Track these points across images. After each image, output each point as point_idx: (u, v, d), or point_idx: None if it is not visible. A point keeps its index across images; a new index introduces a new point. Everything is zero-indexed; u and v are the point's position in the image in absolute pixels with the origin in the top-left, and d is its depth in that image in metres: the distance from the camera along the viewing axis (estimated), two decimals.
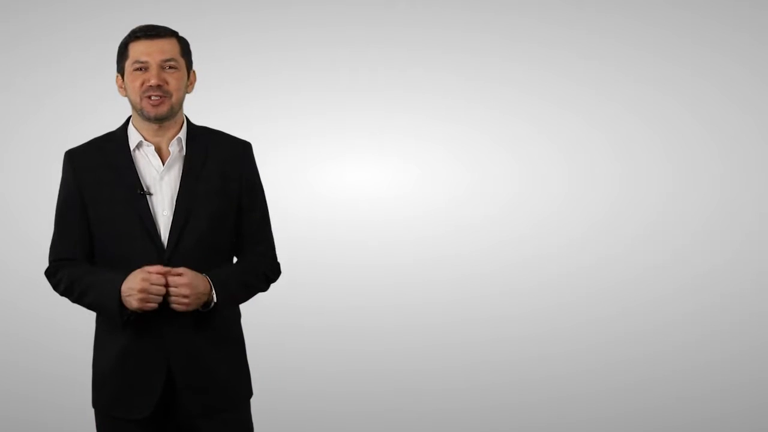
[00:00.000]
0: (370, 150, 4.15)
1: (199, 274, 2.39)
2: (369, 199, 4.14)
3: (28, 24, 4.06)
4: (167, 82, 2.42)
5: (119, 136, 2.51)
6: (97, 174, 2.47)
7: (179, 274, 2.36)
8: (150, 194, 2.45)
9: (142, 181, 2.45)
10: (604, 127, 4.13)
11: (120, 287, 2.36)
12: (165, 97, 2.42)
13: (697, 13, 4.09)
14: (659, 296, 4.12)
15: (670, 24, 4.09)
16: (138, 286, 2.34)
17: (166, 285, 2.36)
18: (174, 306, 2.37)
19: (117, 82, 2.50)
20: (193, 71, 2.53)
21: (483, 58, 4.11)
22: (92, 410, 2.55)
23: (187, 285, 2.36)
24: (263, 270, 2.58)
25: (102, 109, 3.88)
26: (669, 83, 4.11)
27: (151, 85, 2.41)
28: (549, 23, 4.10)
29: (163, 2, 4.01)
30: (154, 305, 2.37)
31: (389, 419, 4.02)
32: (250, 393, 2.62)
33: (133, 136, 2.49)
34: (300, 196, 4.11)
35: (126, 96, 2.48)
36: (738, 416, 4.01)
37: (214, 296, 2.42)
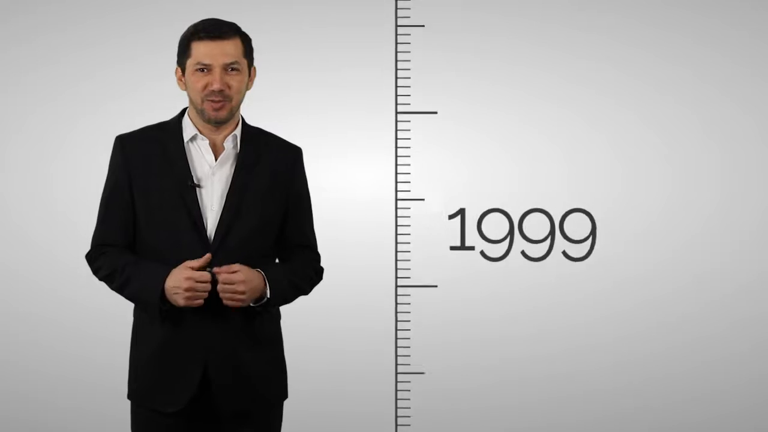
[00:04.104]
0: (370, 150, 4.14)
1: (252, 270, 2.37)
2: (369, 199, 4.14)
3: (28, 24, 4.05)
4: (229, 86, 2.42)
5: (173, 126, 2.49)
6: (148, 162, 2.45)
7: (234, 271, 2.34)
8: (200, 187, 2.43)
9: (193, 174, 2.43)
10: (604, 127, 4.12)
11: (163, 284, 2.34)
12: (226, 101, 2.42)
13: (697, 13, 4.08)
14: (659, 296, 4.12)
15: (670, 24, 4.09)
16: (184, 285, 2.31)
17: (213, 281, 2.33)
18: (228, 303, 2.34)
19: (176, 74, 2.48)
20: (254, 68, 2.53)
21: (483, 58, 4.10)
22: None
23: (243, 282, 2.33)
24: (310, 274, 2.57)
25: (102, 109, 3.88)
26: (669, 83, 4.10)
27: (213, 90, 2.40)
28: (549, 23, 4.09)
29: (163, 2, 4.00)
30: (200, 302, 2.34)
31: (389, 419, 4.02)
32: (284, 395, 2.61)
33: (188, 129, 2.47)
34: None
35: (185, 90, 2.47)
36: (738, 416, 4.01)
37: (268, 292, 2.40)
